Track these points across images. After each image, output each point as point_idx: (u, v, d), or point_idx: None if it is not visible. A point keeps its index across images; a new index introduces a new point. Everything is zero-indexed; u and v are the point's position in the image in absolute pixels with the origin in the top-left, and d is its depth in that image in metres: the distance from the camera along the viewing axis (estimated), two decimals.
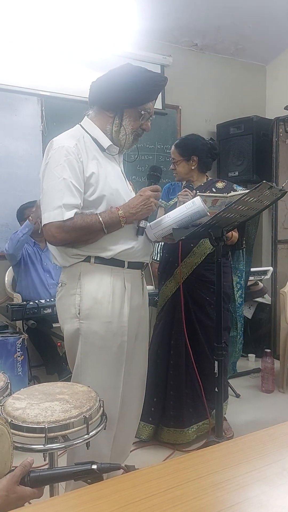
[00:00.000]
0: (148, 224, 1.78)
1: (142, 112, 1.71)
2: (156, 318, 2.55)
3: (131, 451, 2.27)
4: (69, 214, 1.56)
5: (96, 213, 1.63)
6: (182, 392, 2.40)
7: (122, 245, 1.69)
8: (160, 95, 4.13)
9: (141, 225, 1.72)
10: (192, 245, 2.38)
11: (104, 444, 1.69)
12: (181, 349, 2.39)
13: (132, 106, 1.69)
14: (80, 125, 1.76)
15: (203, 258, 2.38)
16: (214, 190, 2.38)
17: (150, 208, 1.69)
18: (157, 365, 2.44)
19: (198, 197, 1.83)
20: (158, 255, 2.78)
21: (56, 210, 1.57)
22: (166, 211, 2.14)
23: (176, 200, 2.37)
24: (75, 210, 1.58)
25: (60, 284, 1.75)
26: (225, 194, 2.11)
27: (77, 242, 1.64)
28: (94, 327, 1.66)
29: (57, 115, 3.52)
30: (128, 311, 1.72)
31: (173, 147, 2.49)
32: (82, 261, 1.67)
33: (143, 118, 1.73)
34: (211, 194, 1.90)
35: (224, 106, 4.47)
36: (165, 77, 1.80)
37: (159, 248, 2.73)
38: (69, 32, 3.49)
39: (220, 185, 2.44)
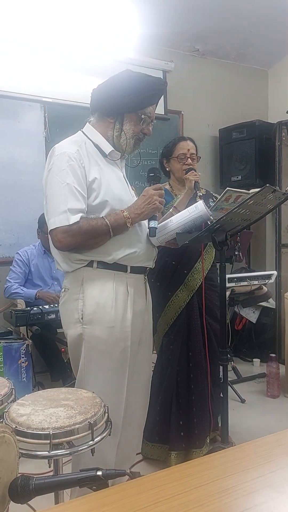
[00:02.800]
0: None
1: (143, 116, 1.72)
2: (169, 333, 2.28)
3: (135, 463, 2.25)
4: (75, 218, 1.57)
5: (102, 216, 1.63)
6: (205, 406, 2.22)
7: (124, 250, 1.69)
8: (162, 101, 4.18)
9: (151, 225, 1.71)
10: (200, 249, 2.26)
11: (108, 450, 1.68)
12: (201, 361, 2.23)
13: (132, 111, 1.70)
14: (82, 131, 1.77)
15: (212, 261, 2.31)
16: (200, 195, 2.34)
17: (155, 206, 1.67)
18: (178, 384, 2.24)
19: (201, 201, 1.83)
20: None
21: (62, 215, 1.57)
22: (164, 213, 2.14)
23: (171, 205, 2.29)
24: (80, 214, 1.58)
25: (63, 289, 1.76)
26: (247, 191, 2.05)
27: (83, 247, 1.63)
28: (97, 332, 1.66)
29: (60, 121, 3.54)
30: (131, 316, 1.71)
31: (190, 142, 2.33)
32: (84, 266, 1.67)
33: (143, 122, 1.73)
34: (238, 189, 1.81)
35: (226, 110, 4.48)
36: (164, 81, 1.82)
37: None
38: (72, 39, 3.51)
39: (202, 191, 2.39)
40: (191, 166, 2.27)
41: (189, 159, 2.28)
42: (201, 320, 2.24)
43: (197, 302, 2.26)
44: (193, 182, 2.15)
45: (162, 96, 4.02)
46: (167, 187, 2.36)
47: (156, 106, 1.79)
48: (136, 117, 1.71)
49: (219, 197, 1.97)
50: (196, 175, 2.18)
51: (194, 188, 2.15)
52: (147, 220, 1.73)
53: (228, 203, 1.81)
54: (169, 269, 2.28)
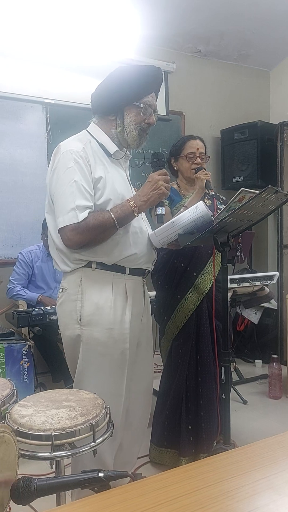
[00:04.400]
0: (152, 231, 1.78)
1: (141, 105, 1.68)
2: (178, 336, 2.24)
3: (140, 466, 2.25)
4: (83, 215, 1.56)
5: (107, 210, 1.62)
6: (213, 411, 2.17)
7: (124, 252, 1.68)
8: (163, 101, 4.18)
9: (158, 212, 1.70)
10: (210, 251, 2.20)
11: (107, 452, 1.68)
12: (209, 364, 2.19)
13: (129, 102, 1.68)
14: (87, 130, 1.76)
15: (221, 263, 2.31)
16: (208, 196, 2.32)
17: (161, 192, 1.65)
18: (187, 388, 2.21)
19: (201, 201, 1.82)
20: None
21: (70, 213, 1.56)
22: (173, 214, 2.13)
23: (180, 204, 2.28)
24: (88, 211, 1.58)
25: (61, 290, 1.74)
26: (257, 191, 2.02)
27: (93, 242, 1.62)
28: (95, 333, 1.65)
29: (61, 122, 3.55)
30: (129, 318, 1.70)
31: (199, 141, 2.27)
32: (83, 266, 1.66)
33: (144, 111, 1.70)
34: (252, 190, 1.79)
35: (228, 111, 4.48)
36: (157, 68, 1.74)
37: None
38: (73, 40, 3.52)
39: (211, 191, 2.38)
40: (200, 165, 2.22)
41: (198, 158, 2.24)
42: (210, 323, 2.20)
43: (206, 304, 2.22)
44: (204, 181, 2.12)
45: (164, 97, 4.07)
46: (175, 186, 2.31)
47: (156, 96, 1.76)
48: (135, 108, 1.69)
49: (225, 198, 1.96)
50: (207, 174, 2.15)
51: (206, 188, 2.12)
52: (153, 208, 1.73)
53: (240, 204, 1.80)
54: (178, 271, 2.23)
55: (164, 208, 1.71)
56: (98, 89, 1.73)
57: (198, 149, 2.25)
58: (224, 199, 2.37)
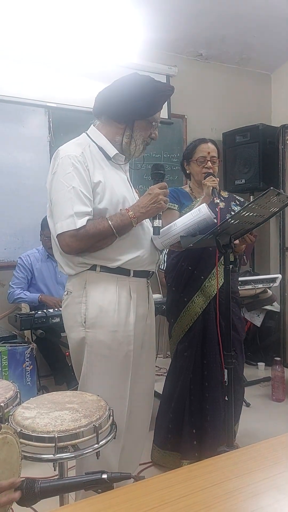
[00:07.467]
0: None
1: (153, 123, 1.73)
2: (184, 339, 2.23)
3: (144, 468, 2.24)
4: (82, 222, 1.57)
5: (106, 218, 1.63)
6: (219, 416, 2.14)
7: (128, 255, 1.68)
8: (165, 105, 4.17)
9: (155, 224, 1.71)
10: (218, 255, 2.17)
11: (112, 454, 1.67)
12: (216, 369, 2.17)
13: (143, 118, 1.70)
14: (87, 133, 1.77)
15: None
16: (222, 198, 2.33)
17: (160, 205, 1.67)
18: (191, 392, 2.19)
19: (204, 204, 1.83)
20: (164, 264, 2.66)
21: (68, 219, 1.57)
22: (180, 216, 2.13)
23: (189, 208, 2.27)
24: (87, 218, 1.59)
25: (66, 292, 1.75)
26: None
27: (91, 249, 1.63)
28: (100, 336, 1.65)
29: (64, 126, 3.56)
30: (134, 320, 1.71)
31: (211, 144, 2.25)
32: (88, 269, 1.67)
33: (152, 128, 1.75)
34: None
35: (229, 114, 4.49)
36: (171, 86, 1.80)
37: (165, 257, 2.60)
38: (75, 44, 3.53)
39: (224, 194, 2.36)
40: (210, 171, 2.21)
41: (209, 162, 2.23)
42: (217, 328, 2.18)
43: (214, 308, 2.20)
44: (211, 188, 2.11)
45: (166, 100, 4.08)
46: (187, 189, 2.31)
47: (161, 110, 1.79)
48: (146, 123, 1.72)
49: (242, 200, 1.92)
50: (214, 181, 2.14)
51: (212, 194, 2.12)
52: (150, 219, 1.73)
53: (243, 207, 1.80)
54: (185, 274, 2.23)
55: (161, 220, 1.72)
56: (109, 91, 1.71)
57: (209, 152, 2.23)
58: (242, 200, 2.36)
